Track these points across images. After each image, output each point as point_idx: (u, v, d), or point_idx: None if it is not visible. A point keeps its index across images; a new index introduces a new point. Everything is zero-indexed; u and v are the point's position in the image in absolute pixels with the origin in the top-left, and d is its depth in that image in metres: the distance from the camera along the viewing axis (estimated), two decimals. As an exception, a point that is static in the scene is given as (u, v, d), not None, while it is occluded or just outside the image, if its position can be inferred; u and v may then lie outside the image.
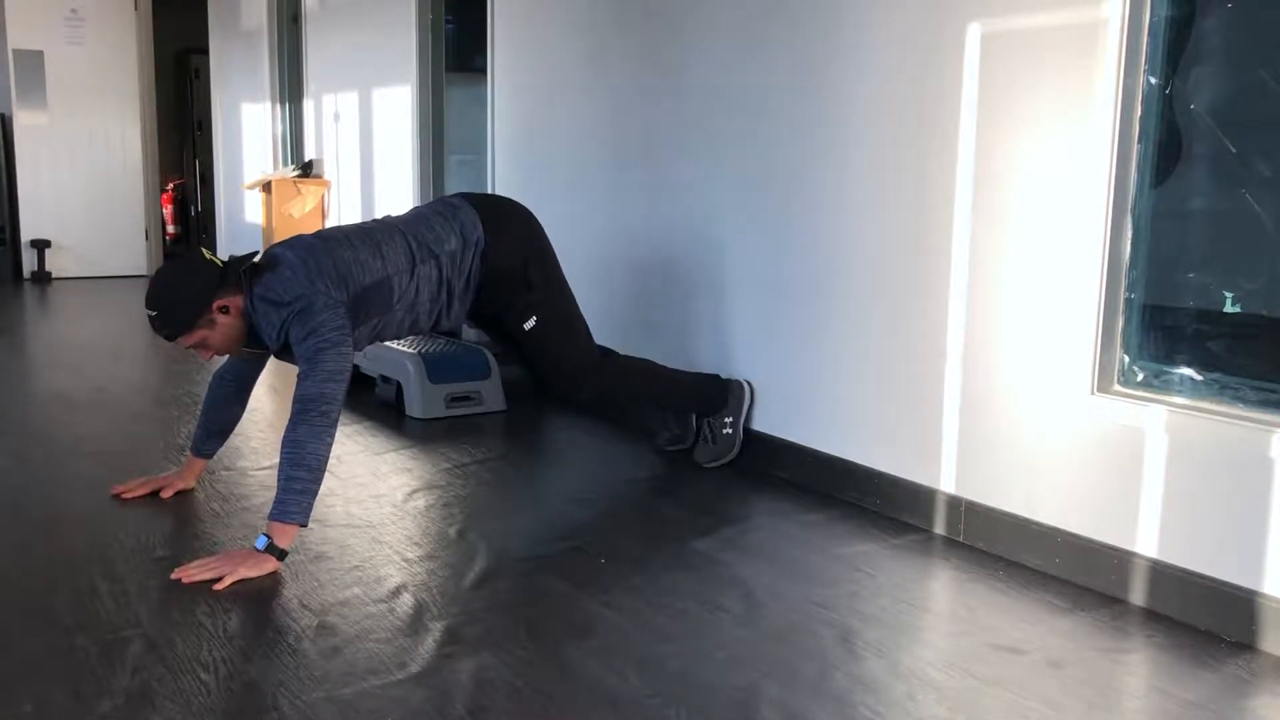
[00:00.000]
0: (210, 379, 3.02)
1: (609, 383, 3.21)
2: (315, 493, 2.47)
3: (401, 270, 2.79)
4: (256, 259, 2.67)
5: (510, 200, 3.14)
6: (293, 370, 4.97)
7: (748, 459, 3.42)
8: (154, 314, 2.58)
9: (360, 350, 2.88)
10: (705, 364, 3.61)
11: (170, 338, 2.60)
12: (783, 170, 3.24)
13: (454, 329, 3.04)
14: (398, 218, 2.94)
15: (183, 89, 10.23)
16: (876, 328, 2.98)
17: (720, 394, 3.38)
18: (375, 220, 2.92)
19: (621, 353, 3.36)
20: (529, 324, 3.02)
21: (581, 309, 3.19)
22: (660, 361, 3.73)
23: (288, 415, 3.47)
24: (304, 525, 2.47)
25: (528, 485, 3.31)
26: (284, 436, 2.47)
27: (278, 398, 4.30)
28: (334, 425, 2.50)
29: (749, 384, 3.41)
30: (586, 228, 4.21)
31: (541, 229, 3.13)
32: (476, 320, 3.11)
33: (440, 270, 2.86)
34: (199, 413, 3.08)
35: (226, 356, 2.83)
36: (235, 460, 3.36)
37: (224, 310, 2.60)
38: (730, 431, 3.38)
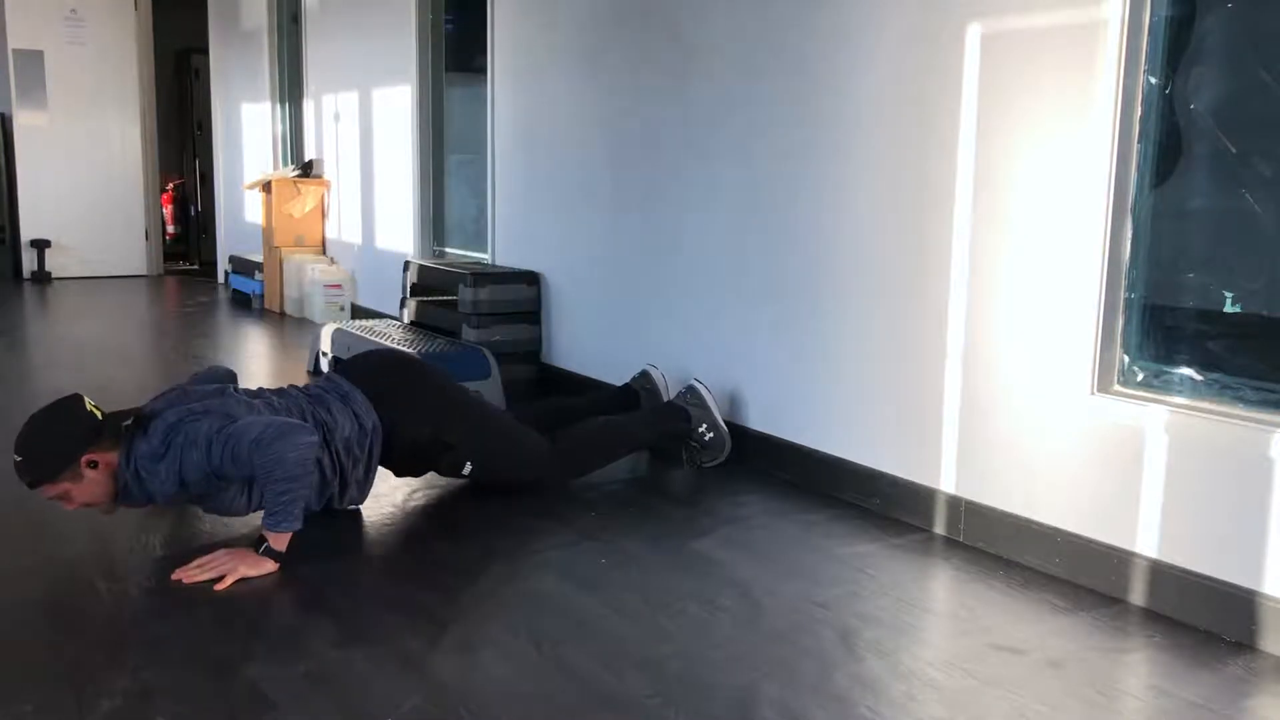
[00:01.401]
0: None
1: (576, 463, 3.20)
2: (303, 496, 2.48)
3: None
4: (135, 416, 2.55)
5: (395, 365, 3.03)
6: (298, 363, 4.97)
7: (748, 459, 3.42)
8: (19, 459, 2.43)
9: (234, 509, 2.68)
10: (705, 364, 3.61)
11: (31, 485, 2.46)
12: (783, 169, 3.24)
13: (349, 505, 2.92)
14: (297, 391, 2.82)
15: (183, 89, 10.22)
16: (877, 328, 2.98)
17: (679, 415, 3.36)
18: (275, 390, 2.81)
19: (570, 403, 3.35)
20: (466, 469, 3.00)
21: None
22: (657, 364, 3.73)
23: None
24: (299, 529, 2.49)
25: (527, 485, 3.30)
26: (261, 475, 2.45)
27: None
28: (298, 430, 2.46)
29: (699, 382, 3.40)
30: (586, 227, 4.21)
31: (435, 373, 3.05)
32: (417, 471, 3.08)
33: (334, 457, 2.73)
34: None
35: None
36: (235, 460, 3.36)
37: (92, 465, 2.47)
38: (713, 435, 3.36)
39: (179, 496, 2.56)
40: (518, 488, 3.11)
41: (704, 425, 3.36)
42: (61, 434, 2.46)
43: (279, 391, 2.80)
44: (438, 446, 2.94)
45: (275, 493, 2.45)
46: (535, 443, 3.08)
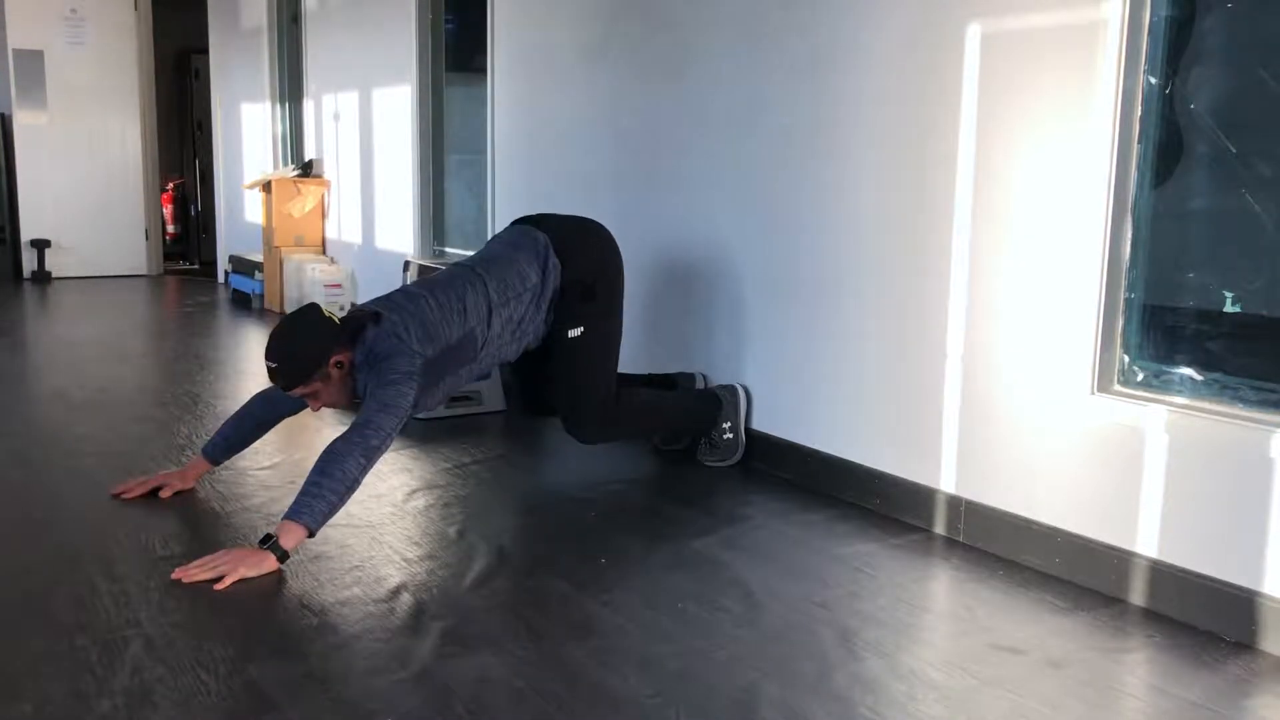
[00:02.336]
0: (256, 394, 3.04)
1: (613, 426, 3.26)
2: (334, 505, 2.50)
3: (482, 320, 2.90)
4: (366, 313, 2.78)
5: (593, 224, 3.23)
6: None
7: (749, 459, 3.42)
8: (274, 365, 2.68)
9: (450, 396, 3.04)
10: (706, 364, 3.61)
11: (287, 388, 2.72)
12: (783, 170, 3.24)
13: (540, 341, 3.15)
14: (483, 260, 3.02)
15: (183, 89, 10.22)
16: (877, 328, 2.98)
17: (713, 408, 3.38)
18: (459, 266, 3.01)
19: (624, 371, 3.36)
20: (574, 331, 3.07)
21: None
22: (657, 363, 3.74)
23: (293, 425, 3.47)
24: (312, 533, 2.49)
25: (528, 485, 3.31)
26: (326, 446, 2.54)
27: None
28: (374, 451, 2.56)
29: (742, 387, 3.42)
30: (586, 228, 4.20)
31: (619, 257, 3.21)
32: None
33: (524, 306, 2.99)
34: (231, 415, 3.09)
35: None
36: (235, 460, 3.36)
37: (339, 365, 2.72)
38: (730, 436, 3.38)
39: None
40: (565, 402, 3.16)
41: (727, 424, 3.38)
42: (310, 339, 2.70)
43: (463, 268, 3.00)
44: (584, 297, 3.07)
45: (314, 483, 2.49)
46: (614, 384, 3.20)
